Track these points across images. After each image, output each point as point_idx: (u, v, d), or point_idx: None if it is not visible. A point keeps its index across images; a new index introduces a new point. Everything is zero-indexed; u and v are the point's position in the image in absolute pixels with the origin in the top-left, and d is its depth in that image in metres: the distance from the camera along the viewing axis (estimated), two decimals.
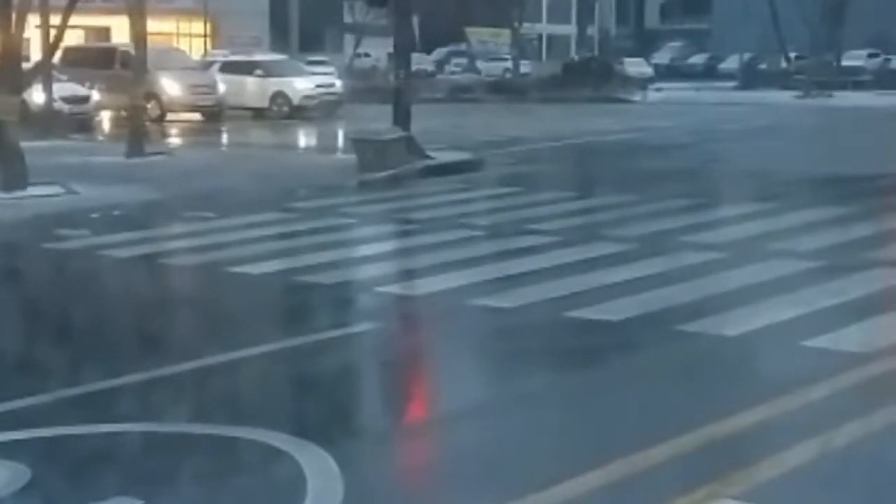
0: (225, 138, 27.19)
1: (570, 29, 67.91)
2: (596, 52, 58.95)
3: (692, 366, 7.70)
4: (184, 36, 42.70)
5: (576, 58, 53.23)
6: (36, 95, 23.42)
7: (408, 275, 10.94)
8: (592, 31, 67.04)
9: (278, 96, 31.71)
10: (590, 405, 6.89)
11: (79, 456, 6.11)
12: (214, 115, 30.18)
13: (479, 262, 10.87)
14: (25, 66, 17.93)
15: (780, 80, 45.64)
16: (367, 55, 46.16)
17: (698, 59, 64.56)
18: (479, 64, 47.97)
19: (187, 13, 41.94)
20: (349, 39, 48.29)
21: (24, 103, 17.76)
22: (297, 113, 31.08)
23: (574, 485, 5.41)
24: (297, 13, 39.87)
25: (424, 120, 20.82)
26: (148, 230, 13.24)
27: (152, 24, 23.23)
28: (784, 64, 47.43)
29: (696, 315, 8.60)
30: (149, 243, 12.38)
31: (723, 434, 6.07)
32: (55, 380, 7.36)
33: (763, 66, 50.82)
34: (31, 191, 15.25)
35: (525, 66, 46.17)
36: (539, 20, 63.48)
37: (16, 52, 16.37)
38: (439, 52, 49.73)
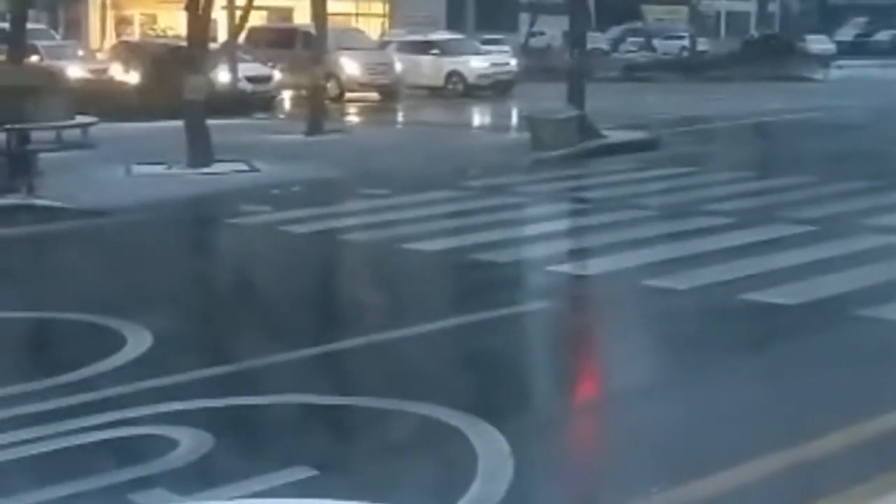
0: (401, 117, 27.53)
1: (751, 5, 66.25)
2: (777, 29, 57.36)
3: (870, 352, 7.54)
4: (363, 16, 43.35)
5: (755, 35, 51.89)
6: (221, 75, 24.15)
7: (580, 254, 10.94)
8: (774, 7, 65.26)
9: (453, 75, 31.96)
10: (764, 390, 6.77)
11: (258, 425, 6.34)
12: (391, 93, 30.58)
13: (652, 243, 10.81)
14: (212, 46, 18.57)
15: None
16: (541, 34, 46.06)
17: (884, 36, 62.09)
18: (656, 42, 47.32)
19: None
20: (524, 18, 48.24)
21: (210, 83, 18.35)
22: (472, 91, 31.27)
23: (749, 469, 5.38)
24: None
25: (599, 99, 20.67)
26: (326, 207, 13.52)
27: (332, 5, 23.67)
28: None
29: (876, 300, 8.41)
30: (327, 219, 12.66)
31: None
32: (238, 351, 7.66)
33: None
34: (217, 167, 15.71)
35: (703, 44, 45.35)
36: None
37: (203, 34, 16.96)
38: (615, 31, 49.18)
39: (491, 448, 5.73)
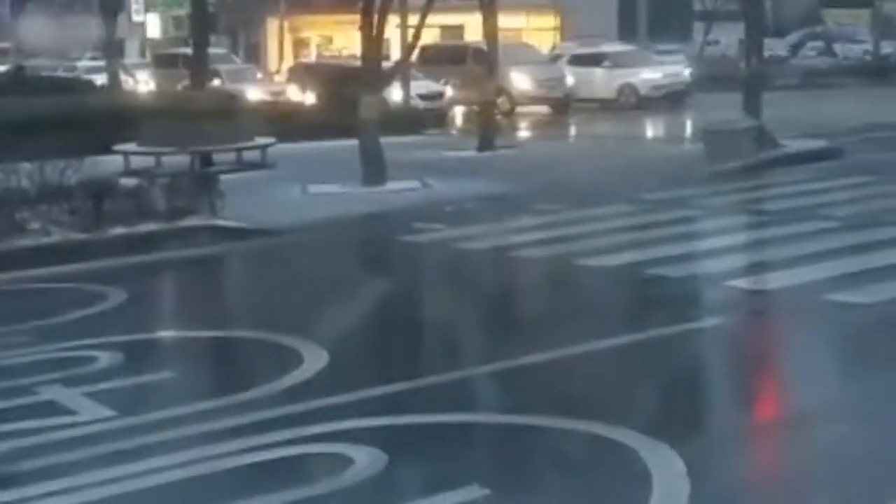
0: (573, 130, 27.43)
1: None
2: None
3: None
4: (533, 30, 43.36)
5: None
6: (395, 93, 24.47)
7: (759, 268, 10.65)
8: None
9: (626, 87, 31.64)
10: None
11: (432, 443, 6.36)
12: (562, 107, 30.49)
13: (834, 255, 10.49)
14: (385, 65, 18.82)
15: None
16: (716, 42, 45.25)
17: None
18: (837, 47, 45.96)
19: (536, 7, 42.58)
20: (699, 27, 47.48)
21: (383, 101, 18.59)
22: (645, 103, 30.91)
23: None
24: (644, 2, 39.60)
25: (777, 107, 20.18)
26: (499, 223, 13.49)
27: (503, 20, 23.68)
28: None
29: None
30: (500, 236, 12.64)
31: None
32: (412, 369, 7.69)
33: None
34: (390, 185, 15.87)
35: (886, 48, 43.81)
36: None
37: (377, 53, 17.20)
38: (793, 36, 47.93)
39: (666, 469, 5.65)
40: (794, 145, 18.50)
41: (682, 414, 6.73)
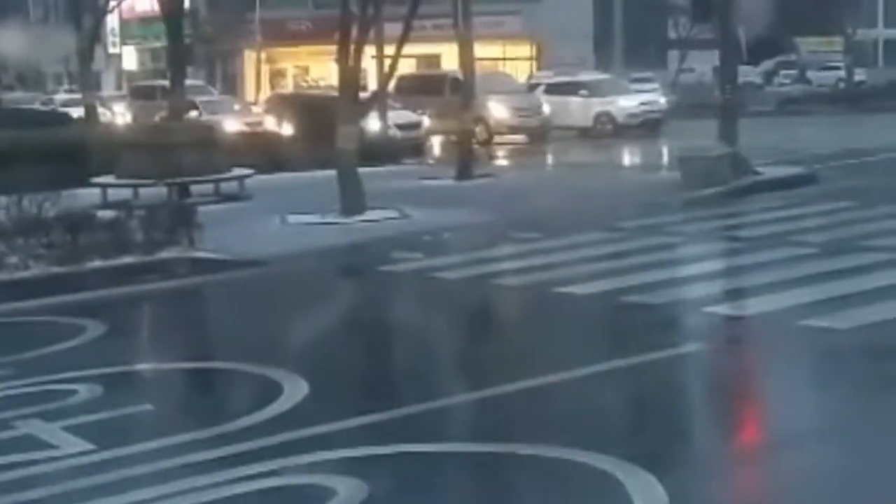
0: (550, 159, 27.47)
1: None
2: None
3: None
4: (510, 59, 43.58)
5: None
6: (372, 123, 24.51)
7: (736, 294, 10.72)
8: None
9: (602, 115, 31.81)
10: None
11: (413, 473, 6.32)
12: (539, 136, 30.61)
13: (810, 282, 10.52)
14: (362, 95, 18.87)
15: None
16: (691, 70, 45.59)
17: None
18: (810, 74, 46.38)
19: (513, 37, 42.81)
20: (673, 55, 47.82)
21: (361, 131, 18.62)
22: (622, 131, 31.07)
23: None
24: (620, 32, 39.88)
25: (752, 134, 20.29)
26: (477, 252, 13.48)
27: (480, 50, 23.80)
28: None
29: None
30: (478, 265, 12.63)
31: None
32: (393, 399, 7.69)
33: None
34: (368, 215, 15.86)
35: (860, 75, 44.24)
36: (875, 25, 60.49)
37: (354, 83, 17.25)
38: (767, 64, 48.32)
39: (648, 496, 5.64)
40: (769, 172, 18.60)
41: (663, 440, 6.73)
